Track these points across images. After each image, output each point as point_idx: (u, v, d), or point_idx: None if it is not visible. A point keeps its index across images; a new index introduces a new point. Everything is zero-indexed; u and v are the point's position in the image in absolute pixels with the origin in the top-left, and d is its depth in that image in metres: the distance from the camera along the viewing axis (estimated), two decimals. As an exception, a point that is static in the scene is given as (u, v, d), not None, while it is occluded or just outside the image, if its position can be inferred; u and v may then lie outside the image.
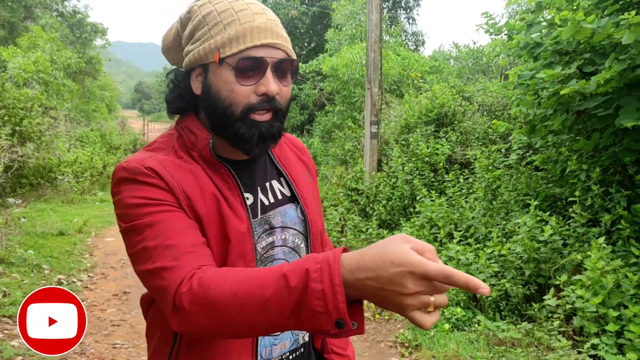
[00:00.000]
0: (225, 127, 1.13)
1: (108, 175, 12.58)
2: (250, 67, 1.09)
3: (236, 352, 1.15)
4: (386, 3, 22.37)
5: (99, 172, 12.14)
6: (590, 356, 3.60)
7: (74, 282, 5.65)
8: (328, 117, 14.40)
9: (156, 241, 1.01)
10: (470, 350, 3.94)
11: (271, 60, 1.10)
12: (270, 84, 1.10)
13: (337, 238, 7.37)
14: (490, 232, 5.70)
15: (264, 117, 1.12)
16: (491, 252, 5.06)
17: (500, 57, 11.75)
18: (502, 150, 7.65)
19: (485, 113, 9.18)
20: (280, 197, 1.26)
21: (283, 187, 1.28)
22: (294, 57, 1.16)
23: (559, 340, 3.76)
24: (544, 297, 4.18)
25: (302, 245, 1.28)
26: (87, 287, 5.54)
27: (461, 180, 7.27)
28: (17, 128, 9.62)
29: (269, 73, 1.10)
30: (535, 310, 4.21)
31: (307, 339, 1.32)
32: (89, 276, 5.95)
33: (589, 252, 4.19)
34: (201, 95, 1.16)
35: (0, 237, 6.09)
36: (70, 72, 20.75)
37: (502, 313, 4.60)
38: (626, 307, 3.77)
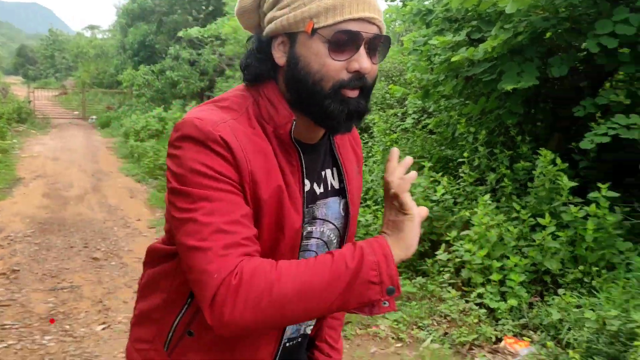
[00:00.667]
0: (312, 102, 1.06)
1: (-10, 147, 11.59)
2: (345, 42, 1.02)
3: (267, 339, 1.16)
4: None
5: (-21, 144, 11.17)
6: (476, 304, 3.90)
7: (-46, 263, 5.22)
8: (229, 83, 14.14)
9: (210, 219, 0.95)
10: (369, 307, 4.13)
11: (366, 35, 1.03)
12: (364, 61, 1.03)
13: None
14: (388, 193, 5.93)
15: (353, 93, 1.06)
16: (389, 213, 5.26)
17: (396, 23, 12.04)
18: (399, 114, 7.93)
19: (383, 78, 9.43)
20: (329, 188, 1.22)
21: (334, 178, 1.24)
22: (385, 33, 1.09)
23: (449, 292, 4.04)
24: (436, 253, 4.45)
25: (335, 241, 1.25)
26: (-31, 268, 5.15)
27: (361, 144, 7.46)
28: None
29: (362, 49, 1.03)
30: (429, 265, 4.48)
31: (308, 331, 1.32)
32: (-29, 256, 5.53)
33: (476, 209, 4.50)
34: (285, 66, 1.08)
35: None
36: (-62, 34, 18.64)
37: (399, 270, 4.84)
38: (508, 257, 4.10)
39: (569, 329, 3.38)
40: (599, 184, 4.00)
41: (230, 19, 14.40)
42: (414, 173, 1.06)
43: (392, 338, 3.74)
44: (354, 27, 1.02)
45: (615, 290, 3.52)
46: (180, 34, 16.15)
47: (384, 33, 1.08)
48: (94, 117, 22.57)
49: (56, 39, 51.16)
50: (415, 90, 7.55)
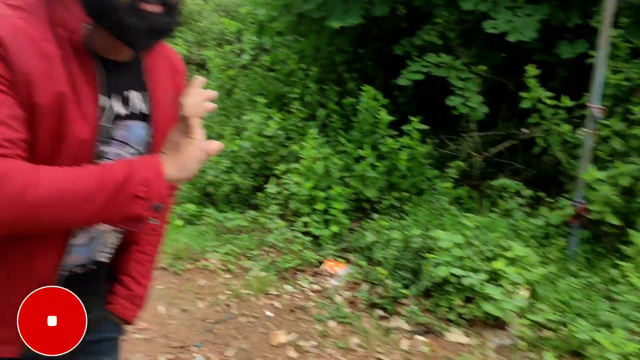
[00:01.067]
0: (109, 14, 0.98)
1: None
2: None
3: (42, 252, 1.09)
4: None
5: None
6: (302, 233, 4.11)
7: None
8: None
9: None
10: (200, 242, 4.16)
11: None
12: None
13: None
14: (224, 130, 5.90)
15: (154, 8, 0.99)
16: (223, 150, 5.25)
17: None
18: (237, 50, 7.80)
19: (222, 13, 9.15)
20: (135, 111, 1.15)
21: (142, 102, 1.16)
22: None
23: (276, 223, 4.20)
24: (265, 186, 4.57)
25: None
26: None
27: (197, 80, 7.24)
28: None
29: None
30: (260, 199, 4.59)
31: (102, 259, 1.26)
32: None
33: (304, 143, 4.66)
34: None
35: None
36: None
37: (233, 205, 4.91)
38: (332, 188, 4.35)
39: (382, 250, 3.72)
40: (411, 118, 4.35)
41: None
42: (213, 105, 1.06)
43: (222, 270, 3.82)
44: None
45: (421, 213, 3.92)
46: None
47: None
48: None
49: None
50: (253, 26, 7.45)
